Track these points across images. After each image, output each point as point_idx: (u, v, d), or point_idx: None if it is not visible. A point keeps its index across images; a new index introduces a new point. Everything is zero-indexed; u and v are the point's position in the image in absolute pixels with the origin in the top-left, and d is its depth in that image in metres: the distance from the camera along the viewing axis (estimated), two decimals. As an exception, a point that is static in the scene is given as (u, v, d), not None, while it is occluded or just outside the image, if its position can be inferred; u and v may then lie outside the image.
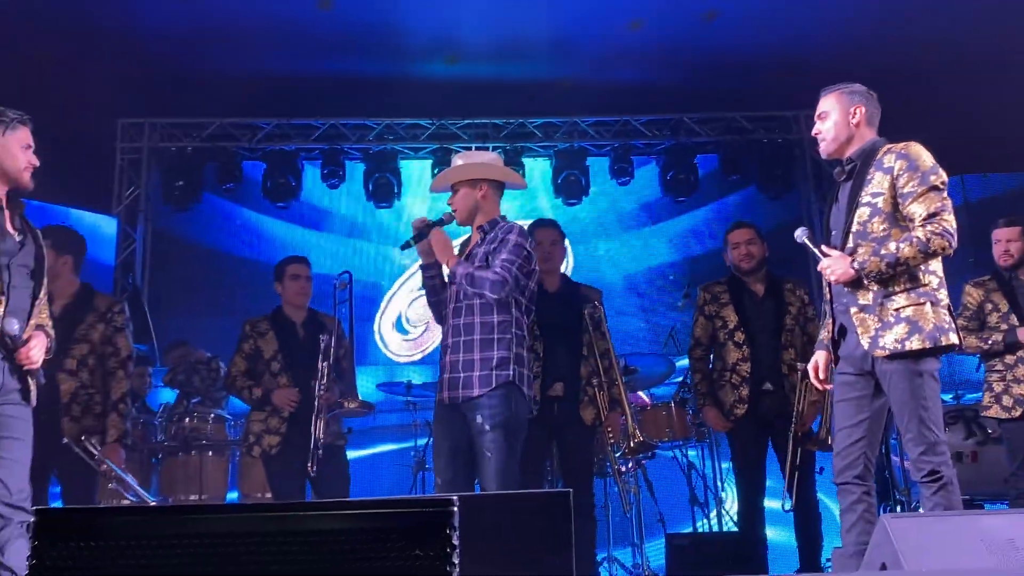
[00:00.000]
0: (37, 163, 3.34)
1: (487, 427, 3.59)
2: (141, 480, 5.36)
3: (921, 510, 3.35)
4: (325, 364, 4.45)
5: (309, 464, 4.27)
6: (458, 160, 4.03)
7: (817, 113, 3.49)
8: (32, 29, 6.42)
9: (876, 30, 6.82)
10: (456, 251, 3.95)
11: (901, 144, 3.33)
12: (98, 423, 4.35)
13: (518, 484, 3.64)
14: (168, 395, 6.29)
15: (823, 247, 3.39)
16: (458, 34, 7.14)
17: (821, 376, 3.49)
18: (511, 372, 3.66)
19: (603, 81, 7.66)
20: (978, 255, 6.99)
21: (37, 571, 1.47)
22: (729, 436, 5.01)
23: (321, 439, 4.32)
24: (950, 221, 3.18)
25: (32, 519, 3.12)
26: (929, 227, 3.16)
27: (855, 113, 3.41)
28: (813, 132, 3.53)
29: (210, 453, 5.53)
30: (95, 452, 4.03)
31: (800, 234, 3.54)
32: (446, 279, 3.91)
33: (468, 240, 4.04)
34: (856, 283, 3.27)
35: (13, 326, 3.15)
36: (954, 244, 3.19)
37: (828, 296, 3.47)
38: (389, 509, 1.41)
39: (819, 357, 3.52)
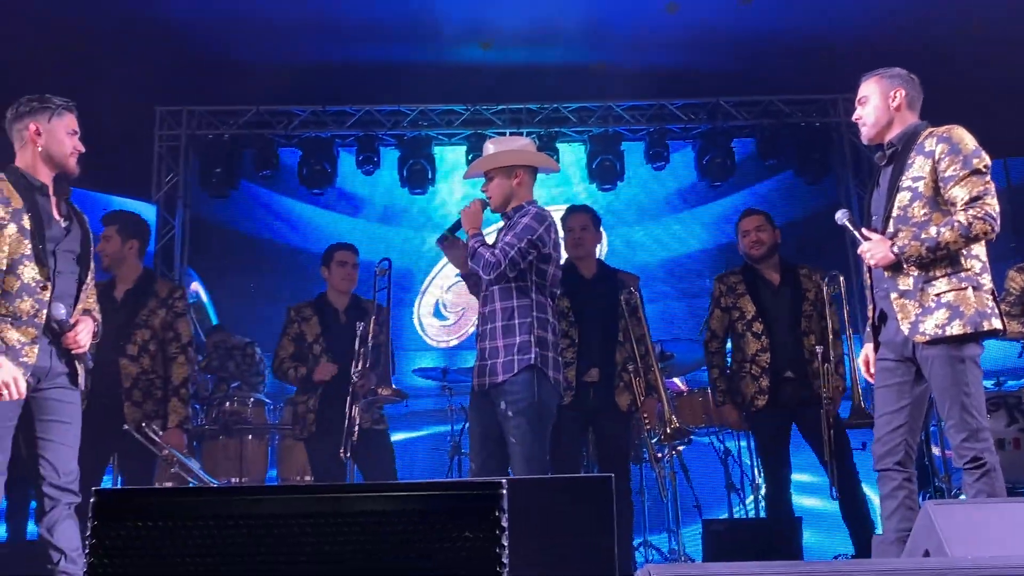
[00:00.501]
0: (83, 149, 3.39)
1: (511, 413, 3.62)
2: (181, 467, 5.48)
3: (963, 497, 3.32)
4: (362, 349, 4.49)
5: (342, 449, 4.32)
6: (490, 146, 4.02)
7: (857, 98, 3.46)
8: (71, 18, 6.50)
9: (916, 11, 6.71)
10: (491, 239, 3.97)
11: (943, 128, 3.29)
12: (159, 408, 4.41)
13: (546, 469, 3.66)
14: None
15: (864, 230, 3.36)
16: (492, 19, 7.12)
17: (872, 370, 3.46)
18: (533, 355, 3.67)
19: (638, 65, 7.60)
20: (1019, 241, 6.88)
21: (95, 551, 1.50)
22: (753, 427, 5.02)
23: (357, 424, 4.37)
24: (993, 205, 3.14)
25: (78, 500, 3.20)
26: (971, 211, 3.11)
27: (895, 96, 3.37)
28: (854, 117, 3.50)
29: (250, 436, 5.62)
30: (156, 438, 4.10)
31: (841, 216, 3.52)
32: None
33: (501, 227, 4.05)
34: (896, 268, 3.24)
35: (60, 311, 3.21)
36: (996, 228, 3.15)
37: (868, 282, 3.44)
38: (439, 492, 1.43)
39: (868, 350, 3.49)
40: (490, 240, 3.97)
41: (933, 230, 3.14)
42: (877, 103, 3.38)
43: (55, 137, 3.30)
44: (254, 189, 8.00)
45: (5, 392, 2.97)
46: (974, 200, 3.13)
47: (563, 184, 8.06)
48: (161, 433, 4.21)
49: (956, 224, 3.11)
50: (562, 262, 4.15)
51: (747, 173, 8.07)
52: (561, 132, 7.97)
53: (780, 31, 7.10)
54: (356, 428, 4.28)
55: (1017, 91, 6.58)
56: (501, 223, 4.06)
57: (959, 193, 3.15)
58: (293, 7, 6.83)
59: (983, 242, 3.23)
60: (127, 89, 6.88)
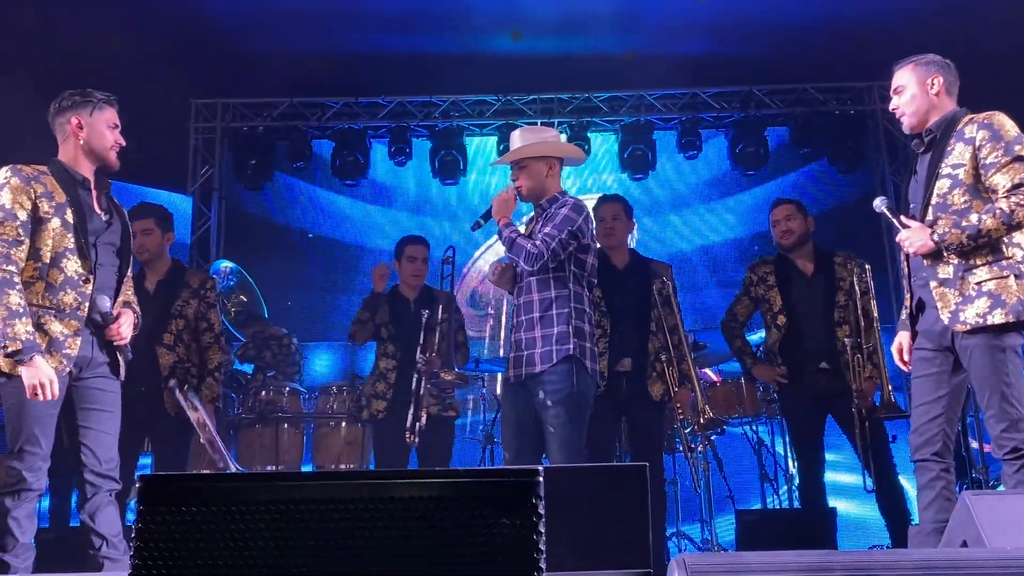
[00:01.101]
0: (123, 142, 3.44)
1: (549, 403, 3.64)
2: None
3: (1001, 488, 3.28)
4: (428, 336, 4.64)
5: (407, 432, 4.45)
6: (517, 135, 3.98)
7: (893, 88, 3.40)
8: (106, 13, 6.58)
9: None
10: (523, 229, 3.97)
11: (984, 114, 3.23)
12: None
13: (584, 458, 3.67)
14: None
15: (902, 218, 3.32)
16: (523, 9, 7.11)
17: (906, 358, 3.42)
18: (571, 346, 3.68)
19: (670, 53, 7.55)
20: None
21: (141, 535, 1.54)
22: (785, 416, 5.04)
23: (424, 410, 4.51)
24: None
25: (119, 487, 3.26)
26: (1014, 198, 3.06)
27: (933, 84, 3.32)
28: (891, 107, 3.43)
29: (286, 425, 5.67)
30: (194, 403, 4.16)
31: (879, 204, 3.47)
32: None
33: (533, 218, 4.05)
34: (936, 256, 3.20)
35: (105, 303, 3.27)
36: None
37: (906, 271, 3.40)
38: (476, 479, 1.45)
39: (902, 338, 3.45)
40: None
41: (974, 217, 3.10)
42: (915, 91, 3.33)
43: (96, 130, 3.34)
44: (288, 180, 8.07)
45: (39, 393, 3.02)
46: (1017, 187, 3.07)
47: (594, 173, 8.04)
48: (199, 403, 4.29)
49: (998, 211, 3.06)
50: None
51: (781, 162, 8.01)
52: (592, 121, 7.95)
53: (813, 18, 7.01)
54: (423, 412, 4.40)
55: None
56: (532, 214, 4.06)
57: (1001, 180, 3.10)
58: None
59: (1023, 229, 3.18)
60: (162, 82, 6.97)
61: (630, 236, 5.18)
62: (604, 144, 8.08)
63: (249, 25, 7.08)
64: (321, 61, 7.51)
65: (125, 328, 3.34)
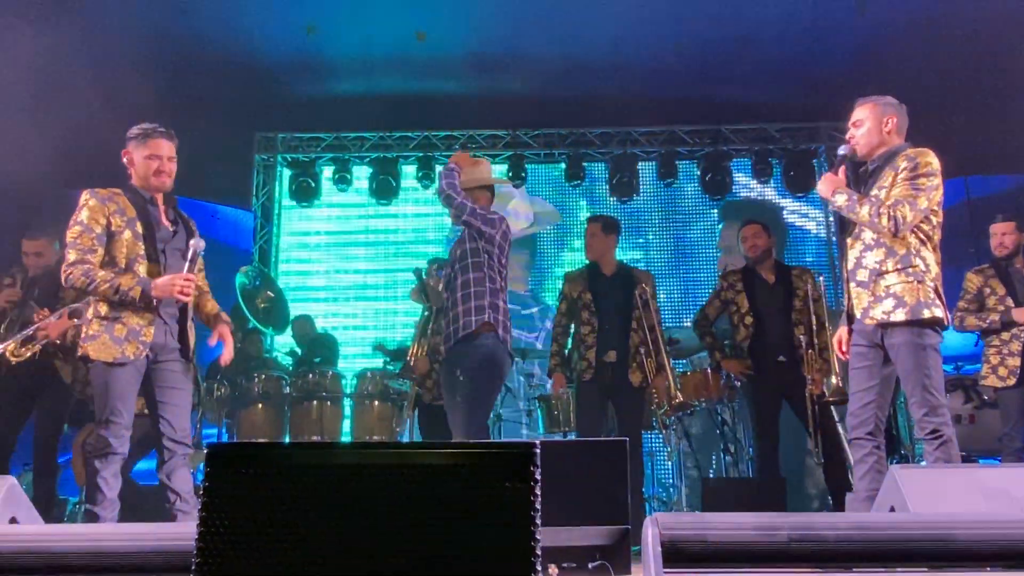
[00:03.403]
0: (166, 169, 3.33)
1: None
2: (274, 426, 5.56)
3: (923, 463, 3.27)
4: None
5: None
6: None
7: (853, 120, 3.37)
8: (189, 63, 6.64)
9: (887, 50, 6.60)
10: None
11: (917, 149, 3.24)
12: None
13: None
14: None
15: (841, 169, 3.31)
16: (528, 57, 7.13)
17: (844, 348, 3.43)
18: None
19: (652, 96, 7.56)
20: (978, 246, 6.75)
21: (209, 492, 1.55)
22: (748, 401, 5.02)
23: None
24: (906, 213, 3.08)
25: (192, 451, 3.27)
26: (889, 204, 3.10)
27: (887, 123, 3.32)
28: (847, 136, 3.40)
29: (328, 403, 5.69)
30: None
31: (842, 149, 3.38)
32: None
33: None
34: (857, 264, 3.23)
35: (200, 244, 3.30)
36: (898, 231, 3.09)
37: (845, 274, 3.39)
38: (485, 450, 1.46)
39: (841, 332, 3.45)
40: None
41: (857, 199, 3.16)
42: (871, 127, 3.31)
43: (136, 163, 3.33)
44: (334, 200, 8.09)
45: (183, 292, 3.12)
46: (898, 202, 3.10)
47: (588, 196, 8.05)
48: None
49: (874, 208, 3.10)
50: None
51: (743, 188, 8.00)
52: (587, 153, 7.95)
53: (772, 68, 7.04)
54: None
55: (974, 117, 6.44)
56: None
57: (894, 192, 3.14)
58: (365, 48, 6.92)
59: (930, 246, 3.18)
60: (231, 118, 7.03)
61: (610, 248, 5.08)
62: (596, 171, 8.07)
63: (303, 70, 7.14)
64: (362, 101, 7.55)
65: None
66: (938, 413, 3.06)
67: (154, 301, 3.20)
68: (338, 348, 6.64)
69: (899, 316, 3.08)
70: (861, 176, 3.39)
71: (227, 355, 3.47)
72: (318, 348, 6.40)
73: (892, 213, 3.10)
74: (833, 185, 3.24)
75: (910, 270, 3.14)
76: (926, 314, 3.08)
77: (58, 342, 4.29)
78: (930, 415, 3.06)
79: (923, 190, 3.12)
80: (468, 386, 3.52)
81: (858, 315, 3.19)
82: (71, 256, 3.17)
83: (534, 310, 7.60)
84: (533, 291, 7.86)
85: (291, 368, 6.24)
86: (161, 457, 3.23)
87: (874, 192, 3.22)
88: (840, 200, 3.20)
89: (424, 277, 4.16)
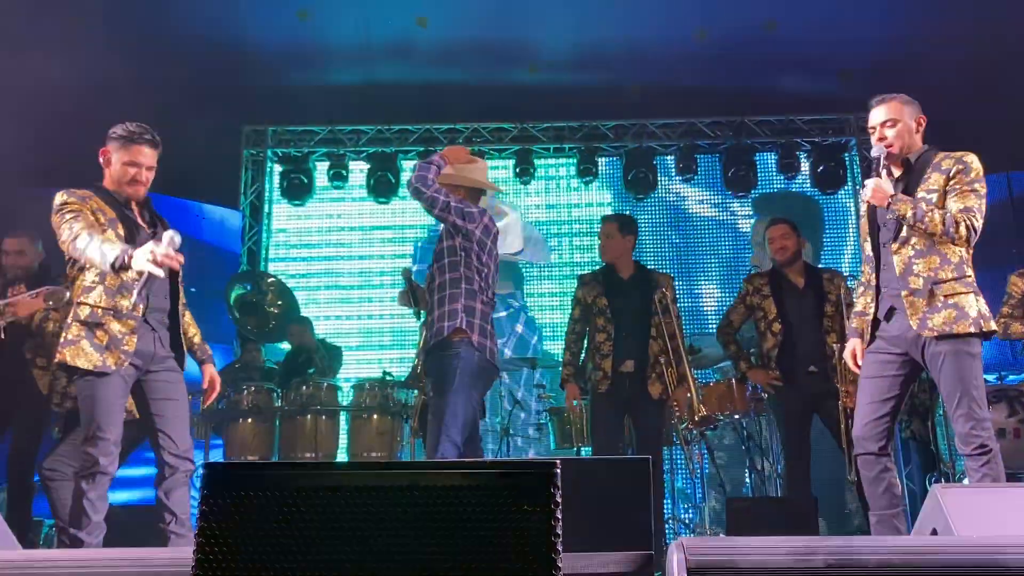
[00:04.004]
0: (142, 179, 3.34)
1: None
2: (264, 441, 5.56)
3: (966, 481, 3.27)
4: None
5: None
6: (448, 170, 3.87)
7: (885, 119, 3.39)
8: (171, 52, 6.66)
9: (925, 38, 6.60)
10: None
11: (960, 152, 3.31)
12: None
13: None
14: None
15: (882, 171, 3.31)
16: (538, 45, 7.15)
17: (859, 362, 3.45)
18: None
19: (670, 86, 7.57)
20: (1021, 248, 6.73)
21: (205, 515, 1.56)
22: (777, 414, 5.01)
23: None
24: (978, 220, 3.18)
25: (194, 468, 3.27)
26: (960, 215, 3.15)
27: (921, 122, 3.40)
28: (881, 136, 3.40)
29: (323, 417, 5.66)
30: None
31: (876, 150, 3.38)
32: None
33: None
34: (907, 271, 3.23)
35: (177, 239, 3.15)
36: (972, 240, 3.19)
37: (875, 281, 3.39)
38: (502, 470, 1.47)
39: (856, 345, 3.47)
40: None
41: (925, 206, 3.18)
42: (905, 126, 3.36)
43: (113, 165, 3.33)
44: (329, 197, 8.09)
45: (160, 259, 3.00)
46: (966, 209, 3.16)
47: (601, 193, 8.06)
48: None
49: (948, 217, 3.15)
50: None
51: (768, 184, 8.00)
52: (600, 147, 7.96)
53: (800, 56, 7.04)
54: None
55: (1018, 111, 6.42)
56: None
57: (958, 201, 3.19)
58: (361, 37, 6.94)
59: (970, 253, 3.25)
60: (217, 112, 7.04)
61: (628, 249, 5.09)
62: (611, 167, 8.08)
63: (295, 60, 7.16)
64: (358, 91, 7.56)
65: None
66: (984, 427, 3.10)
67: (137, 288, 3.11)
68: (341, 357, 6.61)
69: (963, 327, 3.12)
70: (889, 174, 3.40)
71: (210, 400, 3.47)
72: (315, 356, 6.35)
73: (969, 222, 3.15)
74: (885, 192, 3.24)
75: (967, 279, 3.21)
76: (990, 326, 3.15)
77: (23, 322, 4.33)
78: (976, 428, 3.09)
79: (983, 197, 3.23)
80: (437, 402, 3.48)
81: (914, 325, 3.19)
82: (74, 228, 3.12)
83: (502, 314, 7.57)
84: (513, 293, 7.82)
85: (276, 379, 6.18)
86: (161, 473, 3.24)
87: (922, 194, 3.24)
88: (903, 208, 3.19)
89: (412, 279, 4.15)
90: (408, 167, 7.98)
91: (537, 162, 7.95)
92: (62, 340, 3.21)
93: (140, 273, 3.05)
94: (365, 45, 7.05)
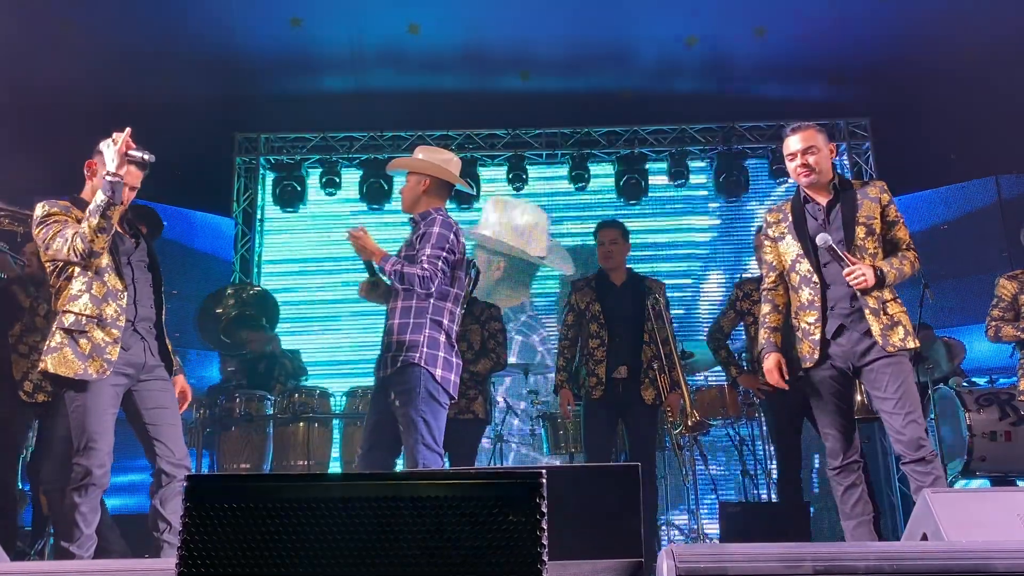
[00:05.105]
0: (125, 199, 3.26)
1: (398, 403, 3.45)
2: (256, 450, 5.52)
3: (912, 486, 3.31)
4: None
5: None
6: (419, 153, 3.84)
7: (804, 147, 3.46)
8: (163, 59, 6.65)
9: (914, 42, 6.62)
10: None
11: (877, 181, 3.57)
12: None
13: (438, 456, 3.44)
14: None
15: (848, 256, 3.36)
16: (531, 52, 7.16)
17: (787, 376, 3.51)
18: (417, 355, 3.44)
19: (661, 93, 7.59)
20: (1011, 251, 6.75)
21: (188, 528, 1.54)
22: (767, 417, 5.00)
23: None
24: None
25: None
26: (912, 252, 3.41)
27: (835, 150, 3.62)
28: (799, 164, 3.47)
29: (316, 424, 5.64)
30: None
31: (823, 240, 3.39)
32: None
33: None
34: (865, 290, 3.34)
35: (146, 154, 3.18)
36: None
37: (819, 302, 3.38)
38: (487, 480, 1.45)
39: (779, 358, 3.54)
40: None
41: (898, 262, 3.36)
42: (825, 154, 3.50)
43: (97, 179, 3.26)
44: (321, 205, 8.07)
45: (118, 141, 3.04)
46: (909, 245, 3.43)
47: (593, 197, 8.05)
48: None
49: (916, 264, 3.41)
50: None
51: (760, 188, 8.01)
52: (592, 153, 7.96)
53: (789, 62, 7.07)
54: None
55: (1006, 114, 6.44)
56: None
57: (903, 236, 3.44)
58: (353, 44, 6.94)
59: None
60: (210, 119, 7.04)
61: (625, 257, 5.11)
62: (603, 173, 8.06)
63: (287, 67, 7.16)
64: (350, 99, 7.56)
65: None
66: (927, 433, 3.35)
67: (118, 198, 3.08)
68: (300, 356, 6.42)
69: (911, 342, 3.33)
70: (812, 209, 3.49)
71: (182, 410, 3.43)
72: (277, 362, 6.21)
73: (916, 256, 3.44)
74: (871, 274, 3.30)
75: (899, 299, 3.43)
76: (912, 344, 3.35)
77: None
78: (924, 434, 3.27)
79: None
80: (405, 411, 3.39)
81: (879, 341, 3.31)
82: (66, 234, 3.11)
83: (513, 326, 7.55)
84: (528, 303, 7.83)
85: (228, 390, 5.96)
86: (157, 481, 3.22)
87: (862, 221, 3.38)
88: (891, 277, 3.36)
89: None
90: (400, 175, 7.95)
91: (529, 168, 7.95)
92: (45, 347, 3.18)
93: (124, 284, 3.12)
94: (358, 52, 7.05)
